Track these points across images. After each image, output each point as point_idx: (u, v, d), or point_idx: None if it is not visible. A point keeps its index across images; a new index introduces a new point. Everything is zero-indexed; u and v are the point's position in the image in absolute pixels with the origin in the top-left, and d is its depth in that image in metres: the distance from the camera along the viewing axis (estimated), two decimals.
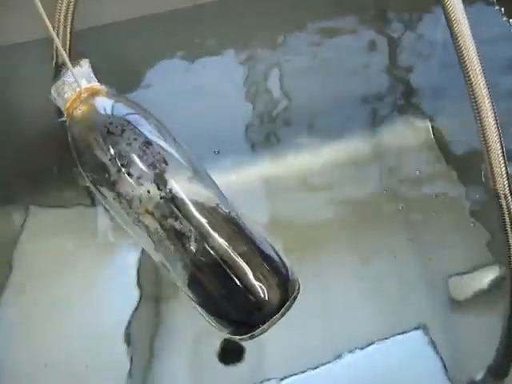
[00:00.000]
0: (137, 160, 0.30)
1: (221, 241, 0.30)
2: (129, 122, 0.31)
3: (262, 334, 0.29)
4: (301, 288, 0.31)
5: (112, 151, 0.30)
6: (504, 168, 0.30)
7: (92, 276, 0.42)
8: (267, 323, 0.30)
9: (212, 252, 0.30)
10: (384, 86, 0.51)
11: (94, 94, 0.32)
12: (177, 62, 0.46)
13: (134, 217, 0.31)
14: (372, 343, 0.41)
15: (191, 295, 0.31)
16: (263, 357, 0.41)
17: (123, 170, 0.30)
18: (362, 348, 0.40)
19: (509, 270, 0.32)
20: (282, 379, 0.40)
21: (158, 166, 0.30)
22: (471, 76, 0.30)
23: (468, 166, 0.48)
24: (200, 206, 0.30)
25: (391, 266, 0.45)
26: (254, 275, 0.29)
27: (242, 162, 0.49)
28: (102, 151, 0.30)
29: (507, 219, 0.31)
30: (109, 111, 0.32)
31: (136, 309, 0.40)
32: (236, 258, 0.30)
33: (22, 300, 0.41)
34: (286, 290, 0.30)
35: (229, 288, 0.30)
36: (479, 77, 0.29)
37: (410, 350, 0.40)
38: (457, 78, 0.32)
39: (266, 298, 0.29)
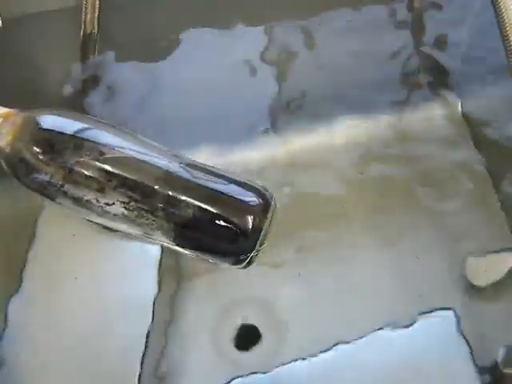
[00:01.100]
0: (76, 161, 0.32)
1: (183, 197, 0.33)
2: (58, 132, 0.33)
3: (258, 254, 0.33)
4: (276, 201, 0.34)
5: (50, 164, 0.32)
6: None
7: (115, 252, 0.41)
8: (257, 245, 0.33)
9: (180, 211, 0.33)
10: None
11: (9, 118, 0.33)
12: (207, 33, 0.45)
13: (98, 212, 0.34)
14: (395, 325, 0.40)
15: (182, 249, 0.35)
16: (281, 340, 0.41)
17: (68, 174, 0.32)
18: (381, 329, 0.40)
19: None
20: (302, 359, 0.40)
21: (98, 157, 0.32)
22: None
23: (497, 150, 0.47)
24: (150, 177, 0.33)
25: (412, 244, 0.44)
26: (224, 212, 0.33)
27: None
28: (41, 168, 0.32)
29: None
30: (32, 128, 0.33)
31: (158, 288, 0.40)
32: (203, 205, 0.33)
33: (44, 273, 0.41)
34: (262, 211, 0.33)
35: (210, 230, 0.33)
36: None
37: (438, 332, 0.40)
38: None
39: (246, 225, 0.33)
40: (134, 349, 0.39)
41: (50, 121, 0.33)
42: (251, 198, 0.34)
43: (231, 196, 0.34)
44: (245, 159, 0.48)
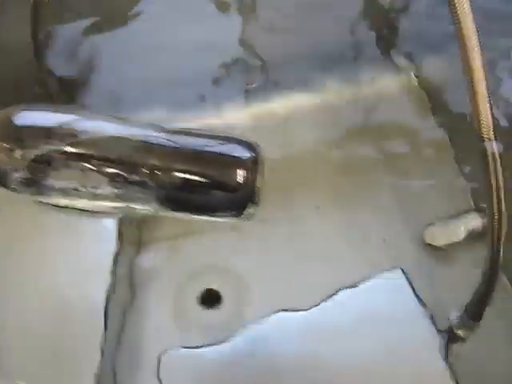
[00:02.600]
0: (50, 150, 0.31)
1: (169, 164, 0.33)
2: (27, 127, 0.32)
3: (257, 205, 0.33)
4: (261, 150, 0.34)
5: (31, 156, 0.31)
6: (489, 112, 0.30)
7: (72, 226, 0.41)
8: (254, 197, 0.33)
9: (169, 178, 0.32)
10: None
11: None
12: None
13: (88, 196, 0.33)
14: (352, 286, 0.41)
15: (178, 214, 0.35)
16: (242, 302, 0.41)
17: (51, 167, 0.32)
18: (338, 291, 0.41)
19: (490, 220, 0.32)
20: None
21: (71, 142, 0.32)
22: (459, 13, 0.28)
23: (454, 115, 0.47)
24: (129, 151, 0.32)
25: (372, 210, 0.44)
26: (214, 171, 0.33)
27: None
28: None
29: (491, 164, 0.30)
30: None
31: (116, 254, 0.40)
32: (191, 168, 0.33)
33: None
34: (252, 163, 0.33)
35: (203, 191, 0.33)
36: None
37: (390, 291, 0.41)
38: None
39: (239, 180, 0.33)
40: (95, 323, 0.38)
41: (18, 117, 0.33)
42: (240, 153, 0.33)
43: (218, 153, 0.34)
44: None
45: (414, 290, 0.41)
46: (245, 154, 0.34)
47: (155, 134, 0.34)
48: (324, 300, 0.41)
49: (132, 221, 0.41)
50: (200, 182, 0.33)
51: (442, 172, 0.46)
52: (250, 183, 0.33)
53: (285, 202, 0.44)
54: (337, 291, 0.41)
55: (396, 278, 0.41)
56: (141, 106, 0.43)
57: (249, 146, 0.34)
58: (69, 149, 0.32)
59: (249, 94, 0.48)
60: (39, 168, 0.32)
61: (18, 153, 0.32)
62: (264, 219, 0.43)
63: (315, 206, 0.45)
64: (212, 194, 0.33)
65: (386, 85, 0.49)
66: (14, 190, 0.33)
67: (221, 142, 0.34)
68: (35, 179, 0.32)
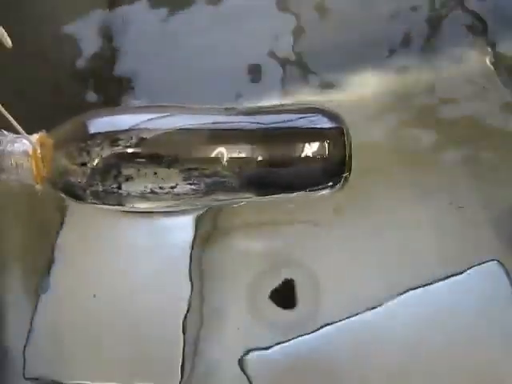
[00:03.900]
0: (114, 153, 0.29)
1: (247, 148, 0.31)
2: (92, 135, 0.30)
3: (350, 172, 0.32)
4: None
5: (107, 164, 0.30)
6: None
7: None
8: (346, 165, 0.32)
9: (249, 163, 0.31)
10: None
11: (43, 144, 0.30)
12: None
13: (167, 197, 0.32)
14: (444, 278, 0.39)
15: (270, 197, 0.33)
16: (317, 300, 0.40)
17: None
18: (427, 285, 0.39)
19: None
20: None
21: (139, 143, 0.30)
22: None
23: None
24: (202, 142, 0.31)
25: (450, 200, 0.42)
26: (303, 147, 0.31)
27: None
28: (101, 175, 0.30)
29: None
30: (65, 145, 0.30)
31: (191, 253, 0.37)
32: (272, 150, 0.31)
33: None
34: (338, 131, 0.32)
35: (293, 170, 0.32)
36: None
37: (487, 283, 0.38)
38: None
39: (331, 151, 0.31)
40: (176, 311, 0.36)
41: (76, 131, 0.31)
42: (326, 123, 0.32)
43: (305, 128, 0.32)
44: None
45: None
46: (331, 123, 0.33)
47: (226, 118, 0.32)
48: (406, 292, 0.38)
49: (204, 215, 0.38)
50: (288, 159, 0.32)
51: None
52: (341, 151, 0.32)
53: (365, 198, 0.42)
54: (423, 285, 0.39)
55: (492, 270, 0.38)
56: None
57: (331, 114, 0.33)
58: (136, 150, 0.30)
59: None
60: (112, 176, 0.30)
61: (91, 163, 0.30)
62: (343, 215, 0.41)
63: (395, 201, 0.42)
64: (304, 170, 0.32)
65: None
66: (93, 203, 0.32)
67: (303, 115, 0.33)
68: (109, 190, 0.31)
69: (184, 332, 0.34)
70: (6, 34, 0.24)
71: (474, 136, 0.44)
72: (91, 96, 0.44)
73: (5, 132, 0.30)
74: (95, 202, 0.32)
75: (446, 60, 0.46)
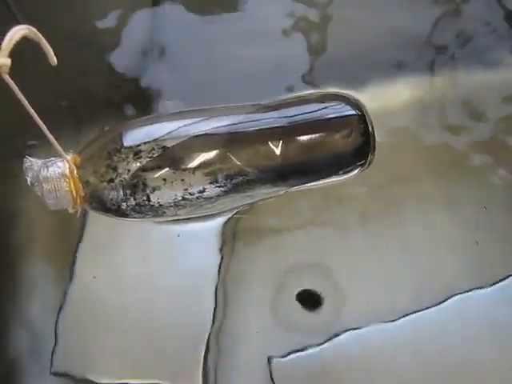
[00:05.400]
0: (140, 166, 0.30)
1: (272, 144, 0.31)
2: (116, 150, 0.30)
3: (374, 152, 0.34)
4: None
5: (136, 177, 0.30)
6: None
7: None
8: (371, 145, 0.34)
9: (274, 158, 0.31)
10: None
11: (76, 165, 0.30)
12: None
13: (198, 203, 0.32)
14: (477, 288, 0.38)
15: (298, 187, 0.34)
16: (341, 303, 0.39)
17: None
18: (452, 296, 0.37)
19: None
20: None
21: (161, 152, 0.30)
22: None
23: None
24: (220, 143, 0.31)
25: (480, 213, 0.40)
26: (331, 138, 0.33)
27: None
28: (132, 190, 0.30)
29: None
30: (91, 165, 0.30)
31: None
32: (301, 140, 0.32)
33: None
34: (359, 115, 0.33)
35: (320, 159, 0.33)
36: None
37: None
38: None
39: (357, 137, 0.33)
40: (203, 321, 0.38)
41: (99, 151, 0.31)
42: (348, 110, 0.34)
43: (326, 119, 0.34)
44: None
45: None
46: (353, 109, 0.34)
47: (249, 116, 0.33)
48: (436, 304, 0.38)
49: (229, 219, 0.39)
50: (317, 148, 0.33)
51: None
52: (365, 132, 0.33)
53: (391, 202, 0.41)
54: (450, 296, 0.38)
55: None
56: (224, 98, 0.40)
57: (350, 100, 0.35)
58: (159, 160, 0.30)
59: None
60: (140, 189, 0.31)
61: (118, 178, 0.30)
62: (370, 219, 0.40)
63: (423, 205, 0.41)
64: (333, 155, 0.34)
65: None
66: (134, 218, 0.32)
67: (325, 104, 0.34)
68: (142, 203, 0.31)
69: (208, 337, 0.36)
70: (51, 50, 0.23)
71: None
72: (126, 104, 0.44)
73: (30, 158, 0.29)
74: (135, 216, 0.32)
75: (480, 67, 0.44)
